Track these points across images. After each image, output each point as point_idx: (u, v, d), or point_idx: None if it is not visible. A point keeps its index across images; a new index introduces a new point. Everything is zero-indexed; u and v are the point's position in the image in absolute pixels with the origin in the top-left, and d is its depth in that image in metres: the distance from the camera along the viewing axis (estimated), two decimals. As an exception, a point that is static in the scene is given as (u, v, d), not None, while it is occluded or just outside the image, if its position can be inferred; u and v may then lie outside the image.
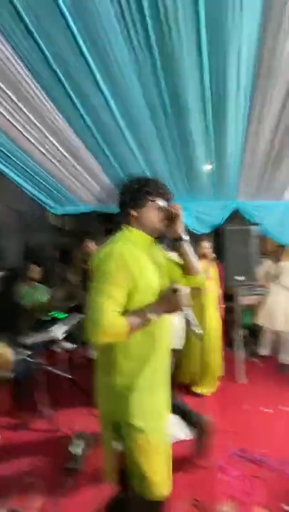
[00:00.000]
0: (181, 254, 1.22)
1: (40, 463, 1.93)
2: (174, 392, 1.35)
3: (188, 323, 1.13)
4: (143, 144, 2.52)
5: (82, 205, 4.22)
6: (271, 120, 2.05)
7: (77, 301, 3.30)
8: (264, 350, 3.55)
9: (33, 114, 2.12)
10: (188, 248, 1.21)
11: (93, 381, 1.17)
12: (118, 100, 1.94)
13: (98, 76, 1.74)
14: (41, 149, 2.65)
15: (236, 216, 3.92)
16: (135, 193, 1.12)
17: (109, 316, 0.95)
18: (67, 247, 4.94)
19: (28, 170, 3.10)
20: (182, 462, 1.85)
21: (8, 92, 1.87)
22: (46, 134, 2.40)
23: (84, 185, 3.54)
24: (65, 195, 3.88)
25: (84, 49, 1.52)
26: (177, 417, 1.89)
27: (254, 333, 4.00)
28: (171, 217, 1.16)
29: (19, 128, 2.32)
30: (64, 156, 2.76)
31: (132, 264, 1.00)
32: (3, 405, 2.52)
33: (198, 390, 2.68)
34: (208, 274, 2.75)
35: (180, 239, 1.19)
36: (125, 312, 1.01)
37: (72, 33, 1.42)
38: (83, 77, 1.74)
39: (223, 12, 1.29)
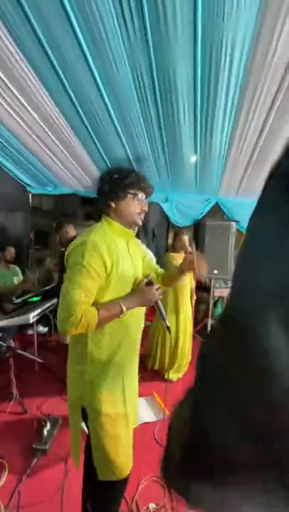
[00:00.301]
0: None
1: (6, 443, 1.93)
2: None
3: (160, 315, 1.19)
4: (130, 131, 2.46)
5: (63, 187, 4.09)
6: (258, 117, 2.08)
7: (53, 284, 3.25)
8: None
9: (20, 92, 1.99)
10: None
11: (64, 366, 1.18)
12: (107, 84, 1.87)
13: (90, 59, 1.66)
14: (24, 126, 2.50)
15: (217, 212, 4.02)
16: (115, 184, 1.10)
17: (81, 308, 0.95)
18: (44, 228, 4.78)
19: (8, 146, 2.92)
20: (148, 442, 1.95)
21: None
22: (29, 110, 2.27)
23: (66, 167, 3.41)
24: (46, 175, 3.73)
25: (78, 31, 1.44)
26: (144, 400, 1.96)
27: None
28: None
29: (5, 106, 2.17)
30: (48, 135, 2.63)
31: (106, 255, 0.99)
32: None
33: (168, 375, 2.80)
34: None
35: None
36: (98, 303, 1.02)
37: (68, 17, 1.34)
38: (73, 58, 1.65)
39: (220, 5, 1.27)
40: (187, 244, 2.88)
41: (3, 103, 2.19)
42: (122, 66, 1.70)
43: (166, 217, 4.17)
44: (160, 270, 1.39)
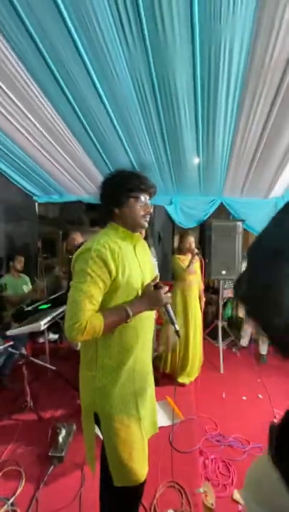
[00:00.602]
0: None
1: (23, 451, 1.94)
2: None
3: (169, 319, 1.17)
4: (133, 137, 2.49)
5: (69, 194, 4.15)
6: (260, 116, 2.08)
7: (61, 291, 3.27)
8: (244, 341, 3.70)
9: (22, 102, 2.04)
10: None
11: (77, 372, 1.18)
12: (108, 90, 1.90)
13: (90, 68, 1.69)
14: (27, 136, 2.56)
15: (222, 212, 4.00)
16: (116, 189, 1.09)
17: (86, 315, 0.95)
18: (51, 236, 4.84)
19: (14, 158, 2.99)
20: (164, 447, 1.93)
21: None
22: (35, 123, 2.33)
23: (71, 175, 3.47)
24: (52, 184, 3.79)
25: (75, 37, 1.47)
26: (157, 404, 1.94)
27: (235, 324, 4.15)
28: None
29: (8, 117, 2.23)
30: (52, 145, 2.68)
31: (111, 260, 0.99)
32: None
33: (180, 379, 2.77)
34: (192, 268, 2.80)
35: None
36: (105, 308, 1.02)
37: (64, 20, 1.37)
38: (75, 68, 1.69)
39: (217, 7, 1.28)
40: (193, 245, 2.87)
41: (10, 117, 2.25)
42: (122, 73, 1.73)
43: (171, 220, 4.17)
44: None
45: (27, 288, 3.44)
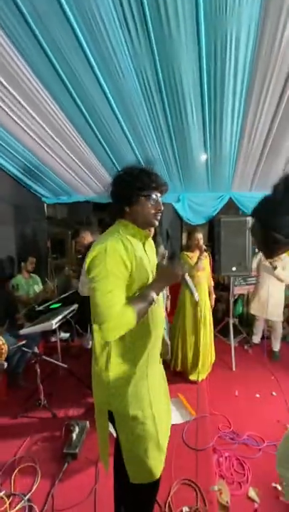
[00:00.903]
0: None
1: (38, 448, 1.97)
2: None
3: (188, 289, 1.17)
4: (140, 136, 2.48)
5: (77, 195, 4.18)
6: (268, 108, 2.03)
7: (72, 290, 3.30)
8: (256, 338, 3.65)
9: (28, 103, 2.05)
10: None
11: (88, 370, 1.18)
12: (113, 87, 1.89)
13: (95, 66, 1.69)
14: (36, 138, 2.58)
15: (231, 207, 3.95)
16: (127, 188, 1.08)
17: (116, 310, 0.95)
18: (60, 236, 4.89)
19: (22, 159, 3.03)
20: (177, 445, 1.93)
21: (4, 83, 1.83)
22: (43, 125, 2.34)
23: (79, 176, 3.49)
24: (60, 185, 3.83)
25: (79, 33, 1.46)
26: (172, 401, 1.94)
27: (246, 321, 4.10)
28: None
29: (15, 119, 2.25)
30: (60, 146, 2.70)
31: (125, 255, 0.99)
32: (0, 394, 2.55)
33: (192, 376, 2.76)
34: (200, 265, 2.78)
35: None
36: (128, 298, 1.02)
37: (67, 18, 1.37)
38: (80, 66, 1.69)
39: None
40: (201, 242, 2.85)
41: (18, 120, 2.28)
42: (127, 70, 1.72)
43: (179, 217, 4.14)
44: None
45: (38, 288, 3.49)
